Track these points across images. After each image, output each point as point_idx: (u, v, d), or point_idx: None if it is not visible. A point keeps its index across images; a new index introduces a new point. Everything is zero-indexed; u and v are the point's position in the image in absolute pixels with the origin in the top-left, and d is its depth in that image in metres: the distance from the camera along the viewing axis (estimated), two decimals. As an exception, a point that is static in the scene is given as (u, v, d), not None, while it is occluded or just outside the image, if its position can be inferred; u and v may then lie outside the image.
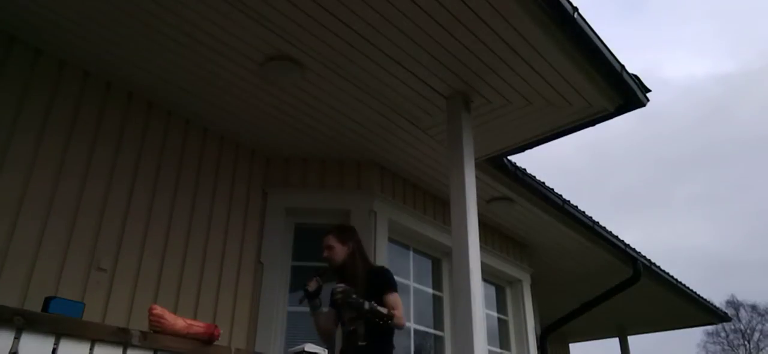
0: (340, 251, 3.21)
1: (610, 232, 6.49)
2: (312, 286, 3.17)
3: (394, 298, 3.02)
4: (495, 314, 6.21)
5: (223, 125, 4.32)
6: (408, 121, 4.22)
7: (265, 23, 3.23)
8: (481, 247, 3.60)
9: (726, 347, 36.02)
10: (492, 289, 6.29)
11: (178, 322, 2.49)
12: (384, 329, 2.99)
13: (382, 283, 3.10)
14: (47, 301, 2.52)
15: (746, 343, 35.51)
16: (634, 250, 6.88)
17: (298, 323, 4.33)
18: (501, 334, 6.22)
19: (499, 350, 6.05)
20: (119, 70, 3.69)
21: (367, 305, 2.89)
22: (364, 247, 3.42)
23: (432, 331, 5.15)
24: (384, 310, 2.93)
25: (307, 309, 3.23)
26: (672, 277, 7.73)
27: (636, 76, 3.71)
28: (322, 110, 4.11)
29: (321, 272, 3.23)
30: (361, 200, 4.68)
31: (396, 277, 3.00)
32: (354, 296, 2.91)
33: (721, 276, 53.14)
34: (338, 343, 3.50)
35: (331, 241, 3.24)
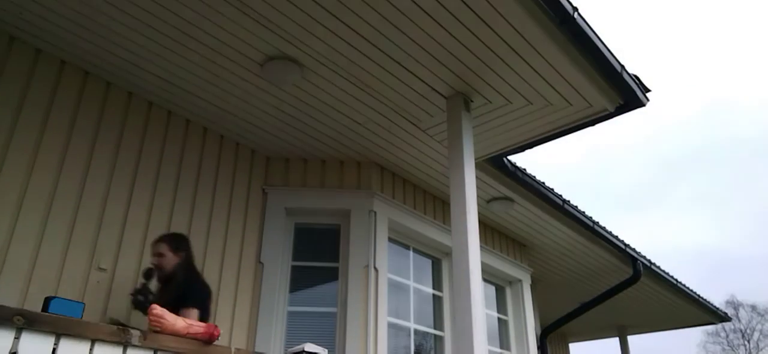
0: (170, 259, 3.23)
1: (610, 232, 6.50)
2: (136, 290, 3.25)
3: (186, 312, 3.00)
4: (495, 314, 6.21)
5: (223, 125, 4.32)
6: (408, 121, 4.22)
7: (265, 23, 3.23)
8: (481, 247, 3.60)
9: (726, 347, 36.04)
10: (492, 289, 6.30)
11: (178, 323, 2.50)
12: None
13: (186, 296, 3.10)
14: (47, 301, 2.52)
15: (746, 343, 35.51)
16: (634, 250, 6.88)
17: (298, 323, 4.34)
18: (501, 334, 6.22)
19: (499, 350, 6.05)
20: (119, 70, 3.69)
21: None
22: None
23: (432, 331, 5.15)
24: None
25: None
26: (672, 277, 7.74)
27: (636, 75, 3.71)
28: (322, 110, 4.11)
29: (146, 273, 3.28)
30: (361, 200, 4.69)
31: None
32: (140, 298, 3.13)
33: (721, 276, 53.15)
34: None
35: (163, 248, 3.26)
